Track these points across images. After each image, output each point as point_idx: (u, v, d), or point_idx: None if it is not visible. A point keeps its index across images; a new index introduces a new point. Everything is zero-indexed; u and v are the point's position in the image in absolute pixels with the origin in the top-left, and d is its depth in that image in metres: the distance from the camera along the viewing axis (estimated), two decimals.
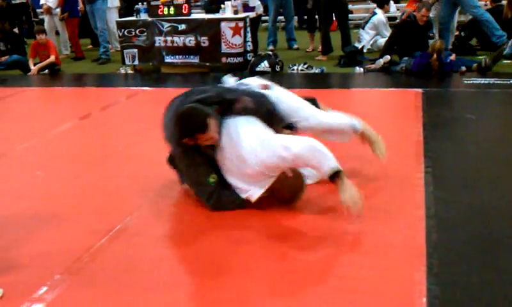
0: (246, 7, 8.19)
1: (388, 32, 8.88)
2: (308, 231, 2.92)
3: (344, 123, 3.72)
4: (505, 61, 7.35)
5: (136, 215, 3.21)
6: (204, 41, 7.73)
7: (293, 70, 7.68)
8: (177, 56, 7.92)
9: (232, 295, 2.38)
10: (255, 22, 8.47)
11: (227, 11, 7.92)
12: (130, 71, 8.19)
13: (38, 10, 11.91)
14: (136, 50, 8.10)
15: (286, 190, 3.14)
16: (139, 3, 8.31)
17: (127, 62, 8.22)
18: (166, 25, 7.85)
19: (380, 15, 9.03)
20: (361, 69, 7.39)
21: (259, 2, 8.98)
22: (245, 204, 3.13)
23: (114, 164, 4.20)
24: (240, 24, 7.70)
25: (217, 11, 8.12)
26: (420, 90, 6.04)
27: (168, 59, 7.98)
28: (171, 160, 3.42)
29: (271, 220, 3.07)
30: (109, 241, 2.92)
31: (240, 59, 7.79)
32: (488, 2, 9.18)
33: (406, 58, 7.16)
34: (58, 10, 9.85)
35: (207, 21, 7.82)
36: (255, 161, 2.98)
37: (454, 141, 4.37)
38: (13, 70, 8.89)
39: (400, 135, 4.55)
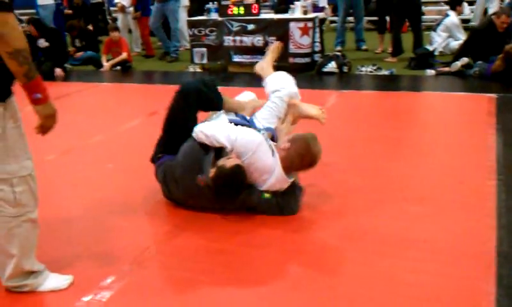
0: (315, 8, 8.15)
1: (460, 35, 8.62)
2: (372, 236, 2.88)
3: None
4: None
5: None
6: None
7: (361, 71, 7.58)
8: (245, 56, 7.98)
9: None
10: (321, 23, 8.42)
11: (296, 12, 7.91)
12: (198, 70, 8.32)
13: (112, 8, 12.32)
14: (205, 49, 8.23)
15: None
16: (210, 2, 8.44)
17: (196, 61, 8.36)
18: (236, 24, 7.93)
19: (453, 17, 8.77)
20: (433, 71, 7.20)
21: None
22: None
23: None
24: (309, 24, 7.67)
25: (286, 11, 8.13)
26: (494, 95, 5.83)
27: (236, 59, 8.05)
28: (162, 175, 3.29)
29: (334, 225, 3.05)
30: (176, 233, 2.97)
31: (307, 60, 7.77)
32: None
33: (480, 62, 6.92)
34: (131, 9, 10.15)
35: (276, 21, 7.84)
36: None
37: None
38: (87, 65, 9.23)
39: (472, 141, 4.41)
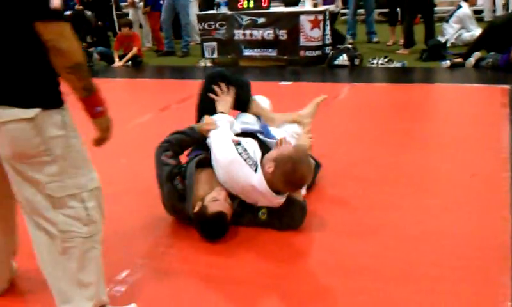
0: (326, 0, 8.12)
1: (473, 26, 8.55)
2: (386, 230, 2.86)
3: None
4: None
5: None
6: (282, 34, 7.73)
7: (373, 63, 7.54)
8: (255, 49, 7.97)
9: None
10: (334, 15, 8.38)
11: (306, 4, 7.88)
12: (209, 64, 8.32)
13: (122, 4, 12.34)
14: (215, 44, 8.23)
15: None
16: None
17: (206, 55, 8.37)
18: (246, 18, 7.92)
19: (465, 9, 8.69)
20: (448, 62, 7.14)
21: None
22: None
23: None
24: (320, 17, 7.64)
25: (296, 4, 8.11)
26: (507, 86, 5.77)
27: (246, 52, 8.05)
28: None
29: (341, 219, 3.05)
30: (191, 227, 2.99)
31: (318, 53, 7.74)
32: None
33: (492, 53, 6.85)
34: (141, 4, 10.16)
35: (286, 14, 7.82)
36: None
37: None
38: (99, 61, 9.27)
39: (486, 133, 4.37)
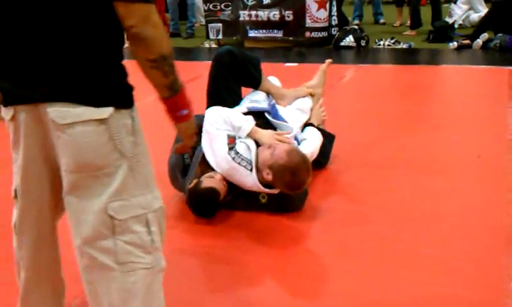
0: None
1: (481, 7, 8.44)
2: (391, 211, 2.85)
3: None
4: None
5: None
6: (288, 15, 7.66)
7: (379, 45, 7.48)
8: (261, 31, 7.90)
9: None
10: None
11: None
12: (214, 46, 8.27)
13: None
14: (220, 25, 8.16)
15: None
16: None
17: (211, 36, 8.31)
18: None
19: None
20: (455, 44, 7.06)
21: None
22: None
23: None
24: None
25: None
26: None
27: (252, 34, 7.98)
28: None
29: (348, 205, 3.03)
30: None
31: (324, 34, 7.68)
32: None
33: (500, 34, 6.78)
34: None
35: None
36: None
37: None
38: None
39: (492, 115, 4.33)
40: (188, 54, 8.11)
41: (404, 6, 8.92)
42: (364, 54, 7.26)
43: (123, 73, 1.45)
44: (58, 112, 1.37)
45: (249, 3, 7.85)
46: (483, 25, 7.12)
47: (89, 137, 1.38)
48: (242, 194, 2.87)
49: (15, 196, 1.57)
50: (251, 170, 2.74)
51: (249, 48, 7.90)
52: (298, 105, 3.38)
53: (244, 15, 7.94)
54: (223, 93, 3.20)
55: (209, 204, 2.77)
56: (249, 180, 2.76)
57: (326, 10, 7.58)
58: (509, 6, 6.89)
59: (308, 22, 7.60)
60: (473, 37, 7.00)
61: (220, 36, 8.26)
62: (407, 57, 6.95)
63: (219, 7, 8.11)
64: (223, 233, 2.71)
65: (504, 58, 6.30)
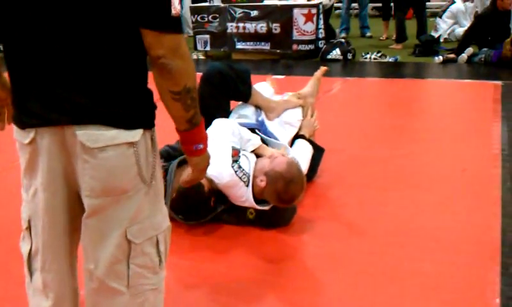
0: None
1: (466, 22, 8.55)
2: (376, 226, 2.85)
3: None
4: None
5: None
6: (276, 27, 7.69)
7: (365, 58, 7.53)
8: (248, 43, 7.92)
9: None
10: (328, 10, 8.35)
11: None
12: (201, 57, 8.27)
13: None
14: (208, 36, 8.17)
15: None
16: None
17: (199, 48, 8.31)
18: (239, 11, 7.86)
19: (459, 4, 8.71)
20: (441, 58, 7.12)
21: None
22: None
23: None
24: (313, 11, 7.60)
25: None
26: (499, 82, 5.78)
27: (239, 46, 7.99)
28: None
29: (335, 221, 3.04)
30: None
31: (311, 47, 7.71)
32: None
33: (485, 49, 6.86)
34: None
35: (280, 7, 7.77)
36: None
37: None
38: None
39: (477, 129, 4.37)
40: None
41: (390, 19, 9.01)
42: (351, 67, 7.30)
43: (149, 92, 1.40)
44: (89, 136, 1.30)
45: (237, 15, 7.87)
46: (466, 39, 7.20)
47: (119, 161, 1.33)
48: (231, 209, 2.84)
49: (28, 228, 1.48)
50: (247, 185, 2.71)
51: (236, 60, 7.93)
52: (287, 118, 3.36)
53: (231, 27, 7.96)
54: (212, 111, 3.12)
55: (196, 197, 2.67)
56: (243, 194, 2.73)
57: (313, 23, 7.62)
58: (490, 20, 6.98)
59: (295, 35, 7.63)
60: (458, 51, 7.07)
61: (208, 48, 8.26)
62: (393, 70, 7.00)
63: (206, 19, 8.12)
64: (211, 246, 2.69)
65: (488, 72, 6.37)
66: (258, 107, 3.34)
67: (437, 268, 2.41)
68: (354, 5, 9.95)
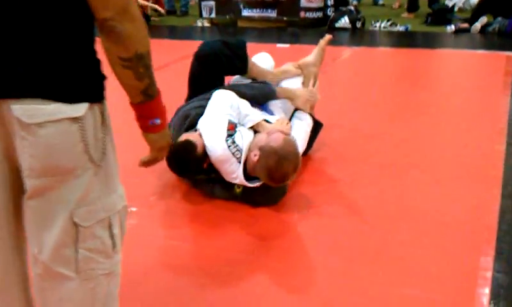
0: None
1: None
2: (369, 206, 2.71)
3: None
4: None
5: None
6: None
7: (375, 27, 7.28)
8: (254, 10, 7.71)
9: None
10: None
11: None
12: (206, 24, 8.08)
13: None
14: (213, 3, 7.98)
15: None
16: None
17: (204, 15, 8.12)
18: None
19: None
20: (453, 27, 6.86)
21: None
22: None
23: None
24: None
25: None
26: None
27: (245, 13, 7.79)
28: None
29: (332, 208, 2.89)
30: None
31: (319, 14, 7.47)
32: None
33: (499, 19, 6.58)
34: None
35: None
36: None
37: None
38: None
39: (486, 102, 4.17)
40: (181, 33, 7.93)
41: None
42: (359, 36, 7.08)
43: (96, 61, 1.24)
44: (25, 110, 1.17)
45: None
46: (481, 8, 6.92)
47: (61, 138, 1.20)
48: (222, 180, 2.73)
49: None
50: (239, 161, 2.61)
51: (242, 28, 7.72)
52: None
53: None
54: (205, 87, 3.03)
55: (184, 156, 2.63)
56: (234, 170, 2.63)
57: None
58: None
59: (303, 2, 7.41)
60: (472, 20, 6.80)
61: (213, 15, 8.06)
62: (403, 40, 6.77)
63: None
64: (202, 224, 2.62)
65: (502, 43, 6.12)
66: (254, 80, 3.20)
67: (425, 252, 2.26)
68: None
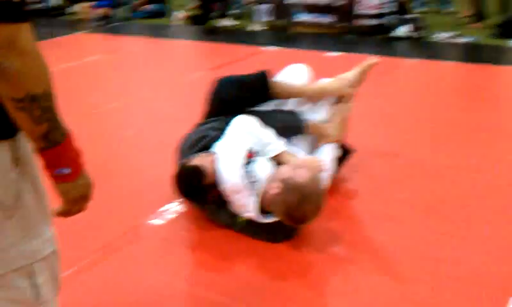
0: None
1: None
2: (387, 253, 2.31)
3: None
4: None
5: None
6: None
7: (438, 37, 6.73)
8: (308, 15, 7.41)
9: None
10: None
11: None
12: (260, 28, 7.84)
13: None
14: (267, 6, 7.73)
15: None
16: None
17: (258, 18, 7.91)
18: None
19: None
20: None
21: None
22: None
23: None
24: None
25: None
26: None
27: (298, 18, 7.49)
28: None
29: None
30: None
31: (376, 22, 7.03)
32: None
33: None
34: None
35: None
36: None
37: None
38: (154, 18, 9.01)
39: None
40: (238, 36, 7.65)
41: None
42: (419, 46, 6.56)
43: None
44: None
45: None
46: None
47: None
48: (222, 207, 2.52)
49: None
50: (254, 194, 2.38)
51: (294, 34, 7.39)
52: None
53: None
54: (228, 111, 2.80)
55: (190, 182, 2.49)
56: (246, 203, 2.39)
57: None
58: None
59: (358, 8, 7.00)
60: None
61: (266, 18, 7.81)
62: (467, 53, 6.22)
63: None
64: (210, 249, 2.46)
65: None
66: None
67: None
68: None
